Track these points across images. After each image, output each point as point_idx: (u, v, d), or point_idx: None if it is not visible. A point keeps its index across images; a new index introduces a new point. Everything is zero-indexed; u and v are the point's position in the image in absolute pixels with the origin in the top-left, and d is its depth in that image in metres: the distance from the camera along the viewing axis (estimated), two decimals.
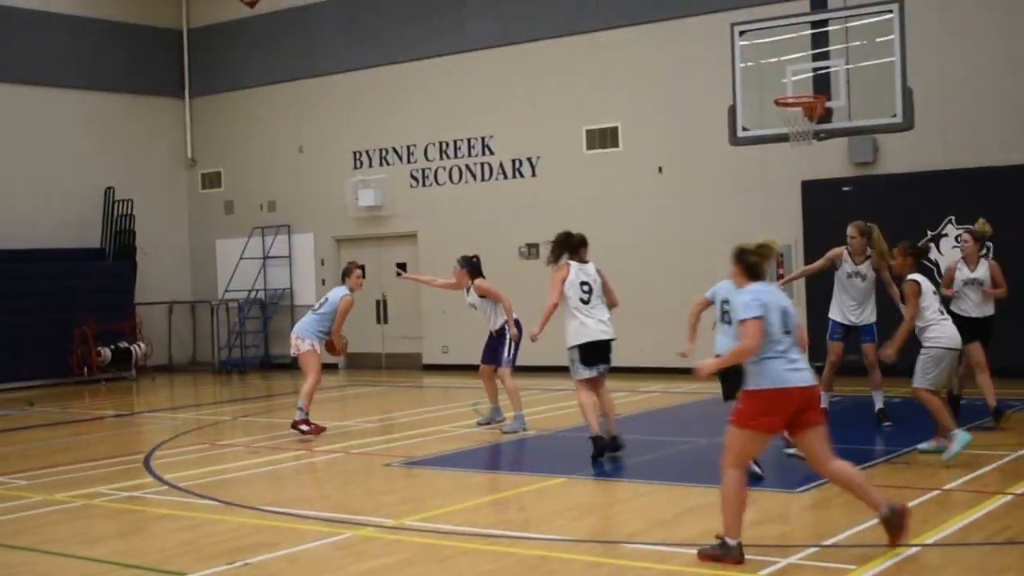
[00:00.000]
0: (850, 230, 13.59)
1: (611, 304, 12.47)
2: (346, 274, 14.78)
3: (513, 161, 23.13)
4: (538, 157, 22.79)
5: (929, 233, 18.49)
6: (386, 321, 25.16)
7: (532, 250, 22.50)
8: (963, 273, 13.58)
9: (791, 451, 11.35)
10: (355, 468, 12.33)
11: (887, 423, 13.30)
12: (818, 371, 14.95)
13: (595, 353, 12.06)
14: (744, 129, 15.07)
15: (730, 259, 8.08)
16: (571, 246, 12.36)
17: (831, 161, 19.23)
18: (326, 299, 14.78)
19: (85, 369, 23.89)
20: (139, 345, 24.89)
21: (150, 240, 26.54)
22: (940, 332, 11.26)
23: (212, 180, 27.79)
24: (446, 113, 23.93)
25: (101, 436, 16.22)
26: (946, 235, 18.48)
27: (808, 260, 19.28)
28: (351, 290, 14.59)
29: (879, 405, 13.49)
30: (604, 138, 21.96)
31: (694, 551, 7.82)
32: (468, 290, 14.60)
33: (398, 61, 24.57)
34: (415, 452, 12.93)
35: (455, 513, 9.54)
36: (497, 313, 14.43)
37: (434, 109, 24.09)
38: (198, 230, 28.01)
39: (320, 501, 10.68)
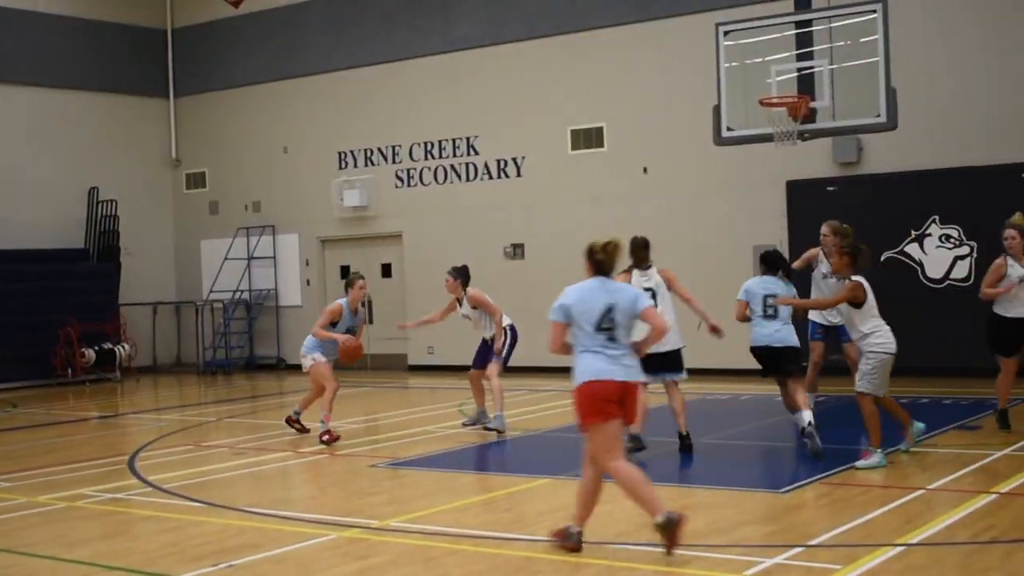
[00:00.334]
0: (824, 228, 13.64)
1: (685, 300, 12.41)
2: (348, 285, 14.45)
3: (498, 161, 23.12)
4: (523, 157, 22.78)
5: (913, 233, 18.55)
6: (371, 322, 25.07)
7: (517, 250, 22.51)
8: (1016, 270, 12.71)
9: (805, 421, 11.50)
10: (340, 469, 12.31)
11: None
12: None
13: (657, 362, 11.93)
14: (729, 129, 15.08)
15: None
16: (631, 252, 12.24)
17: (816, 161, 19.27)
18: (324, 308, 14.53)
19: (69, 370, 23.81)
20: (123, 346, 24.82)
21: (134, 241, 26.47)
22: (885, 338, 11.02)
23: (197, 180, 27.73)
24: (431, 113, 23.91)
25: (85, 438, 16.16)
26: (930, 235, 18.53)
27: (793, 259, 19.33)
28: (349, 303, 14.32)
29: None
30: (589, 138, 21.96)
31: (680, 552, 7.82)
32: (461, 301, 14.40)
33: (383, 61, 24.55)
34: (401, 453, 12.91)
35: (441, 514, 9.52)
36: (492, 321, 14.27)
37: (419, 109, 24.07)
38: (183, 230, 27.95)
39: (305, 502, 10.66)
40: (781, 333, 12.00)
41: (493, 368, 14.09)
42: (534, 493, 10.54)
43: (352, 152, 25.08)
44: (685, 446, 12.15)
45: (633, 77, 21.47)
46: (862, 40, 14.37)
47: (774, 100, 14.59)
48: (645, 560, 7.73)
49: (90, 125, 26.34)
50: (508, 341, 14.15)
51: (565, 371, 18.72)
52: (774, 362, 12.06)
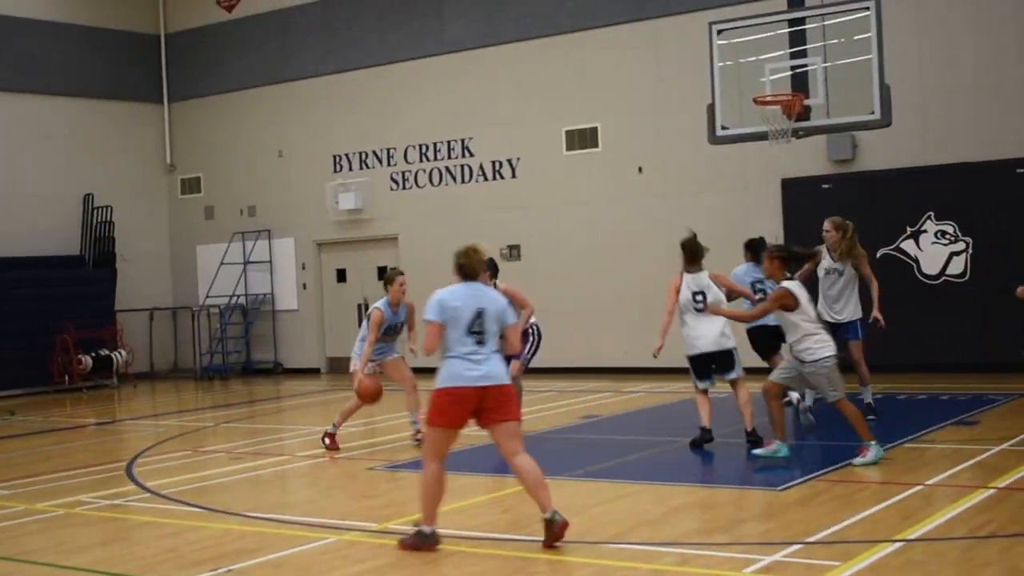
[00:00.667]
0: (826, 224, 13.58)
1: (739, 293, 12.69)
2: (387, 283, 13.49)
3: (493, 163, 23.12)
4: (518, 158, 22.78)
5: (909, 229, 18.56)
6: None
7: (513, 251, 22.51)
8: None
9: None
10: (338, 473, 12.30)
11: (871, 417, 13.30)
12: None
13: (710, 364, 12.16)
14: (723, 128, 15.10)
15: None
16: (683, 254, 12.36)
17: (810, 159, 19.28)
18: (368, 316, 13.63)
19: (66, 377, 23.80)
20: (120, 352, 24.80)
21: (130, 247, 26.46)
22: (820, 345, 10.86)
23: (192, 185, 27.72)
24: (426, 116, 23.91)
25: (83, 444, 16.14)
26: (925, 231, 18.54)
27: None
28: (390, 302, 13.41)
29: (867, 399, 13.48)
30: (584, 139, 21.96)
31: (680, 551, 7.83)
32: None
33: (377, 64, 24.55)
34: (398, 456, 12.91)
35: (439, 516, 9.50)
36: (518, 317, 13.40)
37: (414, 112, 24.06)
38: (178, 236, 27.93)
39: (303, 506, 10.65)
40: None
41: (515, 368, 13.01)
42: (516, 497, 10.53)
43: (347, 155, 25.08)
44: (751, 441, 11.92)
45: (627, 77, 21.47)
46: (855, 38, 14.39)
47: (768, 98, 14.61)
48: (643, 559, 7.72)
49: (84, 131, 26.31)
50: (535, 341, 13.61)
51: (561, 371, 18.67)
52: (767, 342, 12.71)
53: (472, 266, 8.58)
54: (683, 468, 11.55)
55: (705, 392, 12.33)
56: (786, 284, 10.96)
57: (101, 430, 17.93)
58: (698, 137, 16.55)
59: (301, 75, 25.69)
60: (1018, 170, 17.88)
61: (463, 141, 23.51)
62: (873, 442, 10.85)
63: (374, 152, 24.68)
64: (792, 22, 15.16)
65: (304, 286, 25.92)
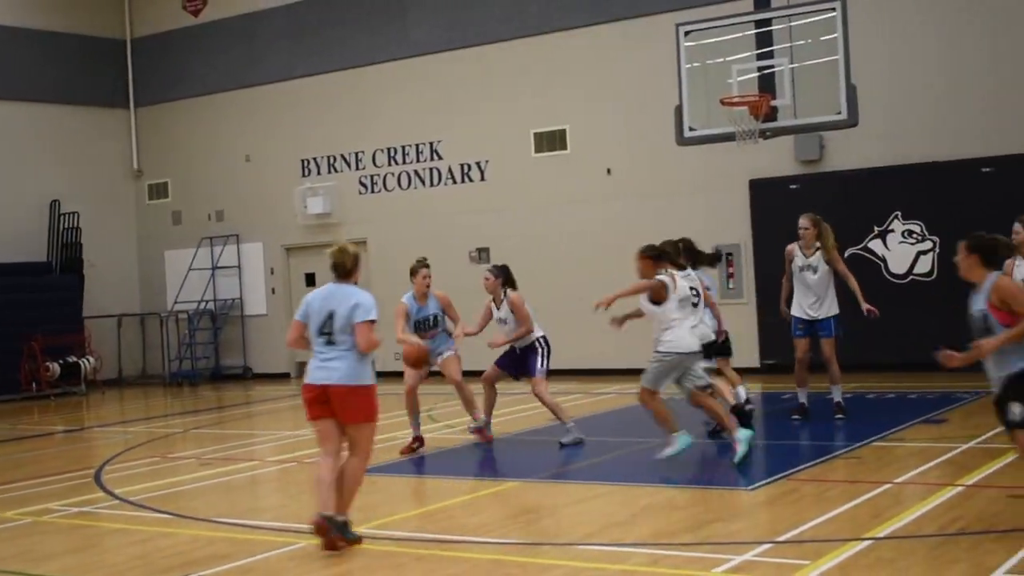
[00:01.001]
0: (802, 221, 13.51)
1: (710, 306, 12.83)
2: (411, 274, 13.17)
3: (462, 165, 23.11)
4: (487, 161, 22.78)
5: (876, 229, 18.65)
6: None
7: (483, 254, 22.50)
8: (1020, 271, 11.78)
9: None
10: (308, 477, 12.21)
11: (839, 416, 13.36)
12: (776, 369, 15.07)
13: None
14: (691, 129, 15.16)
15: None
16: (679, 253, 12.55)
17: (778, 159, 19.35)
18: None
19: (34, 384, 23.64)
20: (88, 359, 24.66)
21: (97, 253, 26.31)
22: (677, 337, 11.05)
23: (159, 191, 27.59)
24: (394, 119, 23.87)
25: (51, 452, 16.04)
26: (893, 231, 18.64)
27: (757, 258, 19.48)
28: (415, 295, 13.07)
29: (837, 399, 13.53)
30: (552, 141, 21.98)
31: (649, 551, 7.85)
32: (499, 304, 13.17)
33: (344, 68, 24.50)
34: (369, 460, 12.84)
35: (409, 520, 9.51)
36: (516, 328, 13.19)
37: (382, 115, 24.03)
38: (146, 241, 27.80)
39: (273, 511, 10.61)
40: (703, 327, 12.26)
41: (542, 383, 12.98)
42: (502, 497, 10.53)
43: (315, 159, 25.02)
44: (741, 416, 11.98)
45: (594, 79, 21.50)
46: (822, 38, 14.48)
47: (735, 99, 14.66)
48: (613, 560, 7.73)
49: (50, 137, 26.15)
50: (544, 352, 13.12)
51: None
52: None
53: (339, 265, 8.86)
54: (653, 469, 11.55)
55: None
56: (661, 277, 11.15)
57: (69, 437, 17.82)
58: (666, 138, 16.61)
59: (268, 79, 25.61)
60: (983, 169, 17.99)
61: (431, 144, 23.49)
62: (678, 433, 11.05)
63: (342, 156, 24.63)
64: (759, 23, 15.24)
65: (273, 291, 25.84)
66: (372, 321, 8.69)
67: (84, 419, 20.25)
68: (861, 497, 9.17)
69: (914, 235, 18.46)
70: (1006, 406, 7.75)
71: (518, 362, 13.23)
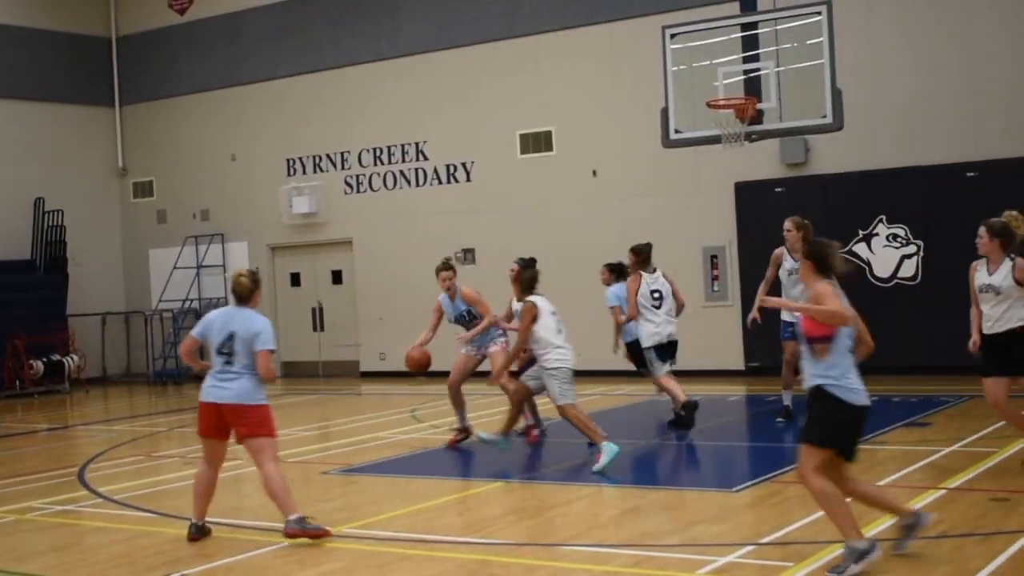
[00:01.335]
0: (787, 224, 13.49)
1: (680, 305, 14.08)
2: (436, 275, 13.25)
3: (448, 166, 23.11)
4: (472, 162, 22.78)
5: (861, 232, 18.69)
6: (323, 329, 25.05)
7: (468, 255, 22.51)
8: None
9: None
10: (292, 477, 12.19)
11: (782, 419, 13.47)
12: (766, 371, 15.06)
13: (669, 350, 13.85)
14: (677, 131, 15.17)
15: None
16: (642, 259, 13.98)
17: (763, 162, 19.39)
18: None
19: (17, 383, 23.57)
20: (72, 357, 24.59)
21: (82, 251, 26.24)
22: (560, 355, 11.59)
23: (144, 189, 27.53)
24: (380, 119, 23.86)
25: (34, 450, 16.00)
26: (877, 234, 18.68)
27: (742, 261, 19.50)
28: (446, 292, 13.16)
29: (786, 402, 13.70)
30: (538, 142, 21.99)
31: (633, 552, 7.86)
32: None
33: (331, 67, 24.48)
34: (353, 460, 12.87)
35: (393, 520, 9.51)
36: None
37: (368, 115, 24.01)
38: (131, 240, 27.73)
39: (257, 510, 10.57)
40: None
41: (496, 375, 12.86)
42: (486, 497, 10.55)
43: (300, 159, 24.99)
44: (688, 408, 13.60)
45: (581, 81, 21.53)
46: (808, 42, 14.50)
47: (721, 102, 14.69)
48: (597, 561, 7.74)
49: (35, 135, 26.07)
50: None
51: (514, 375, 18.63)
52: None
53: (238, 291, 9.11)
54: (637, 470, 11.59)
55: (668, 373, 13.79)
56: (531, 299, 11.63)
57: (53, 435, 17.77)
58: (652, 141, 16.63)
59: (254, 78, 25.58)
60: (968, 174, 18.05)
61: (417, 145, 23.49)
62: (605, 442, 11.17)
63: (328, 156, 24.61)
64: (745, 27, 15.27)
65: None
66: (271, 351, 8.96)
67: (68, 417, 20.20)
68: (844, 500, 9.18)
69: (899, 239, 18.51)
70: None
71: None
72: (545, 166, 21.91)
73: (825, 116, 14.29)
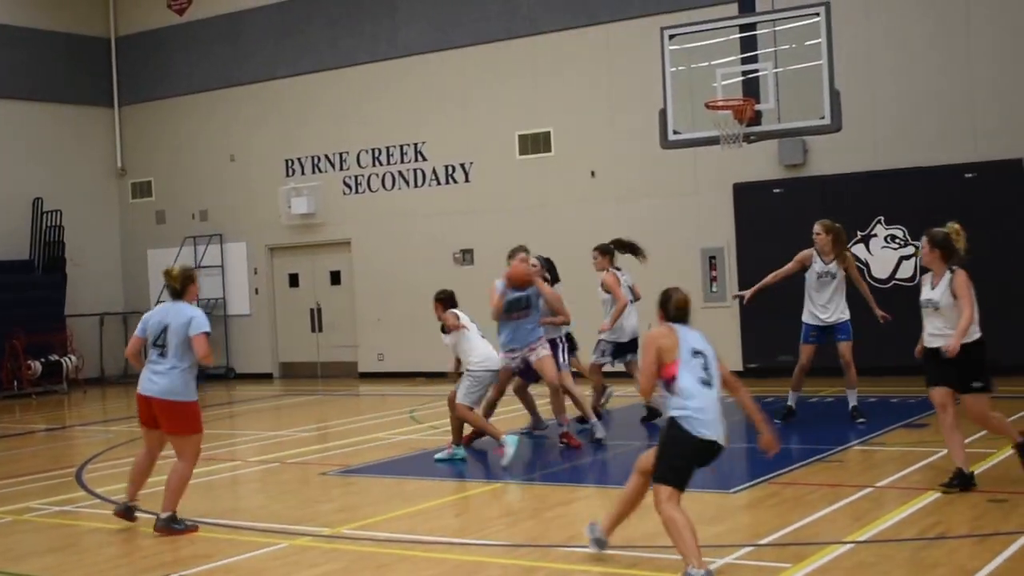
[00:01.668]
0: (816, 227, 13.47)
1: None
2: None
3: (446, 167, 23.10)
4: (471, 163, 22.78)
5: (859, 234, 18.68)
6: (321, 330, 25.04)
7: (466, 256, 22.51)
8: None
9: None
10: (291, 478, 12.25)
11: (861, 420, 13.31)
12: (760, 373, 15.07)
13: (621, 349, 14.58)
14: (675, 132, 15.17)
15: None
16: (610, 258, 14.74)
17: (761, 163, 19.39)
18: None
19: (15, 383, 23.57)
20: (70, 358, 24.59)
21: (80, 251, 26.23)
22: (483, 358, 12.07)
23: (143, 190, 27.52)
24: (379, 119, 23.86)
25: (32, 450, 15.99)
26: (875, 235, 18.69)
27: (740, 262, 19.49)
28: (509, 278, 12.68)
29: (852, 403, 13.51)
30: (537, 143, 21.99)
31: (631, 554, 7.87)
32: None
33: (329, 68, 24.47)
34: (351, 461, 12.87)
35: (392, 521, 9.50)
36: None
37: (367, 116, 24.01)
38: (129, 240, 27.72)
39: (255, 511, 10.59)
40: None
41: (567, 376, 13.30)
42: (483, 498, 10.55)
43: (299, 159, 24.98)
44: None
45: (580, 81, 21.52)
46: (806, 43, 14.51)
47: (719, 103, 14.69)
48: (594, 562, 7.74)
49: (34, 135, 26.06)
50: (563, 347, 13.50)
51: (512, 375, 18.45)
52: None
53: (170, 286, 9.69)
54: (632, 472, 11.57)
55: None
56: (452, 311, 12.11)
57: (51, 436, 17.76)
58: (650, 141, 16.62)
59: (253, 79, 25.57)
60: (967, 175, 18.05)
61: (416, 145, 23.48)
62: (505, 436, 11.67)
63: (327, 156, 24.61)
64: (743, 27, 15.26)
65: (256, 291, 25.79)
66: (207, 333, 9.39)
67: (66, 418, 20.20)
68: (842, 501, 9.20)
69: (897, 240, 18.52)
70: None
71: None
72: (544, 167, 21.90)
73: (823, 117, 14.29)
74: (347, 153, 24.33)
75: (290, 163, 25.10)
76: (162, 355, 9.34)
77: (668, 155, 17.95)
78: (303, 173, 24.91)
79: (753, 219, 19.33)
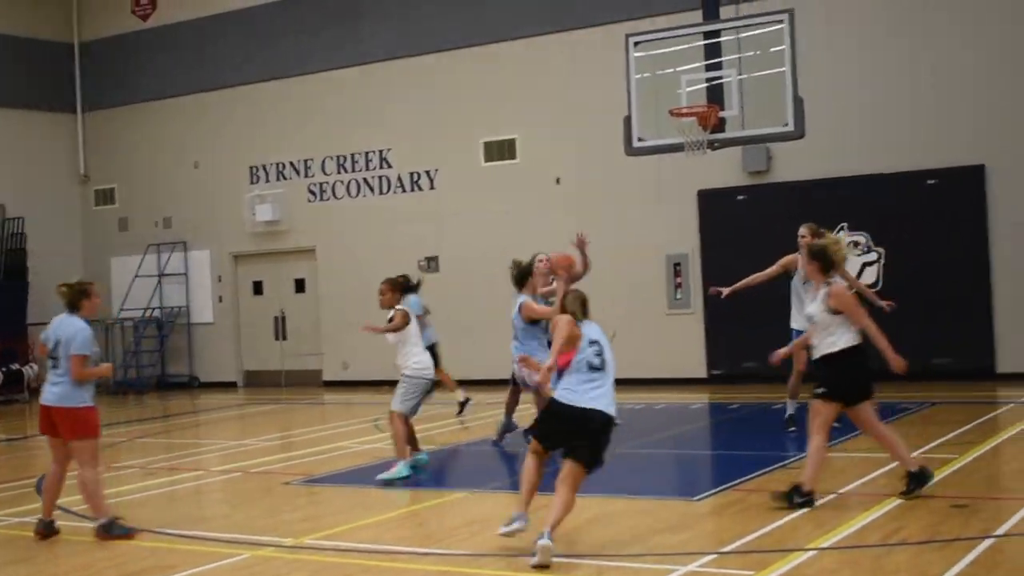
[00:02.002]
0: (802, 230, 13.16)
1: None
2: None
3: (411, 174, 23.08)
4: (436, 170, 22.76)
5: None
6: (285, 338, 24.94)
7: (431, 263, 22.48)
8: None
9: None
10: (254, 487, 12.18)
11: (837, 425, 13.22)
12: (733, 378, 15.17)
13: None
14: (640, 140, 15.21)
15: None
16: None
17: (726, 170, 19.46)
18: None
19: None
20: (32, 366, 24.30)
21: (43, 259, 26.00)
22: (422, 364, 11.95)
23: (106, 196, 27.35)
24: (344, 126, 23.80)
25: None
26: None
27: (705, 269, 19.53)
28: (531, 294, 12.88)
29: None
30: (502, 150, 22.00)
31: (595, 562, 7.85)
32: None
33: (295, 74, 24.42)
34: (315, 470, 12.81)
35: (356, 530, 9.46)
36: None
37: (332, 123, 23.95)
38: (92, 248, 27.54)
39: (218, 521, 10.52)
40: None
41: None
42: (448, 507, 10.51)
43: (264, 166, 24.89)
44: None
45: (544, 88, 21.54)
46: (770, 50, 14.56)
47: (684, 110, 14.72)
48: (559, 571, 7.72)
49: None
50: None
51: (480, 383, 18.69)
52: None
53: (64, 300, 9.75)
54: (598, 479, 11.55)
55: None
56: (400, 307, 12.13)
57: (11, 446, 17.61)
58: (615, 148, 16.66)
59: (217, 85, 25.46)
60: (928, 181, 18.18)
61: (381, 152, 23.44)
62: (403, 461, 11.58)
63: (291, 163, 24.53)
64: (707, 35, 15.32)
65: (220, 299, 25.67)
66: (81, 355, 9.50)
67: (26, 427, 20.03)
68: (805, 507, 9.21)
69: (860, 246, 18.61)
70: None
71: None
72: (509, 174, 21.91)
73: (787, 124, 14.36)
74: (312, 160, 24.27)
75: (255, 170, 25.00)
76: (55, 366, 9.59)
77: (633, 162, 17.98)
78: (268, 180, 24.83)
79: (718, 226, 19.40)
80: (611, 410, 8.26)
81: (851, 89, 18.90)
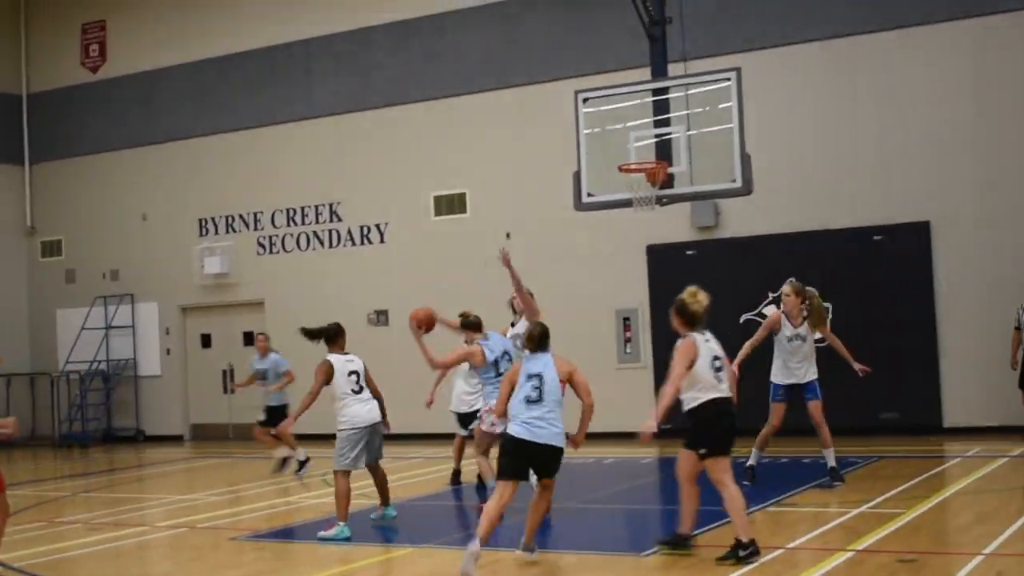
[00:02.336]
0: (785, 288, 13.40)
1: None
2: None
3: (361, 227, 23.06)
4: (386, 223, 22.76)
5: (771, 295, 18.87)
6: (233, 391, 24.73)
7: (381, 316, 22.42)
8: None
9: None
10: (200, 543, 12.03)
11: (838, 482, 13.22)
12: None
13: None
14: (589, 195, 15.24)
15: None
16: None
17: (675, 225, 19.59)
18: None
19: None
20: None
21: None
22: (349, 416, 11.93)
23: (52, 248, 27.13)
24: (293, 179, 23.79)
25: None
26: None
27: (654, 323, 19.59)
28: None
29: (831, 463, 13.33)
30: (452, 204, 22.04)
31: None
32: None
33: (244, 128, 24.40)
34: (263, 525, 12.68)
35: None
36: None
37: (281, 175, 23.93)
38: (37, 300, 27.28)
39: None
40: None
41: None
42: (395, 563, 10.43)
43: (213, 219, 24.80)
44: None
45: (494, 143, 21.64)
46: (719, 106, 14.67)
47: (633, 166, 14.79)
48: None
49: None
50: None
51: (431, 437, 18.62)
52: None
53: None
54: (548, 534, 11.53)
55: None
56: (329, 358, 12.10)
57: None
58: (565, 203, 16.69)
59: (167, 138, 25.40)
60: (875, 237, 18.38)
61: (331, 206, 23.43)
62: (343, 523, 11.43)
63: (241, 216, 24.46)
64: (656, 92, 15.43)
65: (168, 351, 25.47)
66: None
67: None
68: (753, 563, 9.21)
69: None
70: None
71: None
72: (459, 228, 21.94)
73: (735, 180, 14.45)
74: (261, 213, 24.21)
75: (204, 222, 24.90)
76: None
77: (582, 217, 18.04)
78: (217, 233, 24.73)
79: (667, 280, 19.41)
80: (557, 441, 9.50)
81: (798, 145, 19.12)
